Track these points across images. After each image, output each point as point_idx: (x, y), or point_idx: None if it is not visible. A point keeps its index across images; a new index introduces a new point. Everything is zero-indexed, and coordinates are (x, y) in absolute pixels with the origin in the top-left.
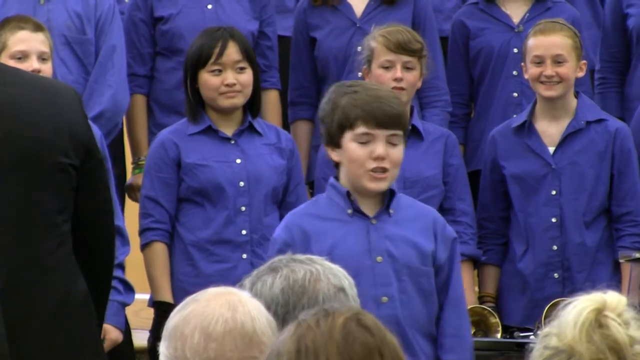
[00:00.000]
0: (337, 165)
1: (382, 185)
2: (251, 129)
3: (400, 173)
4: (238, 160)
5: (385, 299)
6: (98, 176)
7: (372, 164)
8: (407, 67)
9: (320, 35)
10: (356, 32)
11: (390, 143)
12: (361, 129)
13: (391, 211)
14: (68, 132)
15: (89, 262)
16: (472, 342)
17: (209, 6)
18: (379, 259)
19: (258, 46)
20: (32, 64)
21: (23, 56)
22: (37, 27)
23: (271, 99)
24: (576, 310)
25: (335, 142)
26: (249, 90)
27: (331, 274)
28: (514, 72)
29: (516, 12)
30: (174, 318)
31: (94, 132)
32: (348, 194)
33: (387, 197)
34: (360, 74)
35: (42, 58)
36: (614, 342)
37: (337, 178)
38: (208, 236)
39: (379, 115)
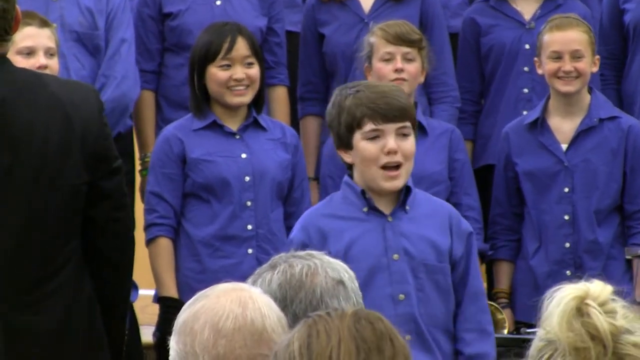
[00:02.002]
0: (350, 166)
1: (398, 184)
2: (256, 124)
3: None
4: (243, 155)
5: (402, 296)
6: (112, 185)
7: (385, 159)
8: (407, 59)
9: (329, 31)
10: (364, 29)
11: (401, 135)
12: (369, 126)
13: (407, 208)
14: (80, 148)
15: (105, 272)
16: (495, 337)
17: (218, 2)
18: (396, 256)
19: (267, 42)
20: (39, 60)
21: (30, 52)
22: (44, 23)
23: (279, 95)
24: (558, 299)
25: (346, 144)
26: (257, 85)
27: (329, 268)
28: (525, 69)
29: (527, 9)
30: (184, 313)
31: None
32: (363, 192)
33: (402, 194)
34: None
35: (49, 54)
36: (595, 330)
37: (351, 177)
38: (214, 232)
39: (385, 109)
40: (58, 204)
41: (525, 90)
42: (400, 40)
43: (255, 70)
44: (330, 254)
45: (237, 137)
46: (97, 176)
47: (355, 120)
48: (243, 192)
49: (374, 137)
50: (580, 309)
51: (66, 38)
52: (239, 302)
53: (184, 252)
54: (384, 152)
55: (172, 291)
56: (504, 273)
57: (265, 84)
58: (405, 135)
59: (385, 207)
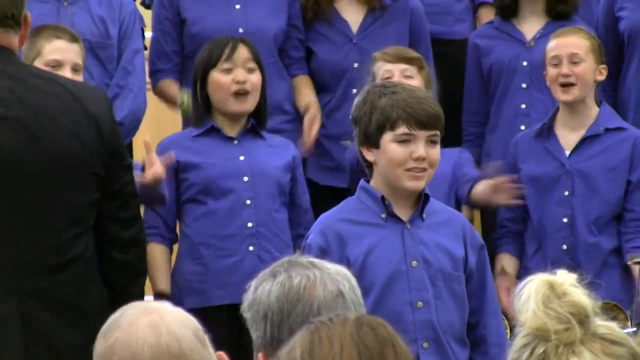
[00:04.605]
0: (369, 166)
1: (421, 184)
2: (255, 132)
3: None
4: (241, 158)
5: (420, 303)
6: (122, 183)
7: (412, 164)
8: (406, 76)
9: (316, 48)
10: (352, 49)
11: (430, 142)
12: (402, 129)
13: (424, 215)
14: (96, 138)
15: (114, 273)
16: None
17: (237, 6)
18: (414, 263)
19: (290, 39)
20: (65, 74)
21: (57, 65)
22: (74, 39)
23: (303, 79)
24: (527, 291)
25: (372, 143)
26: (257, 94)
27: (329, 279)
28: (523, 85)
29: (529, 31)
30: (99, 345)
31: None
32: (383, 198)
33: (421, 201)
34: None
35: (75, 69)
36: (575, 308)
37: (367, 181)
38: (214, 231)
39: (421, 115)
40: (76, 192)
41: (523, 106)
42: (397, 57)
43: (256, 77)
44: (348, 259)
45: (236, 142)
46: (109, 171)
47: (389, 121)
48: (242, 191)
49: (405, 140)
50: (554, 291)
51: None
52: (151, 329)
53: (186, 256)
54: (412, 157)
55: (163, 286)
56: (509, 263)
57: (291, 75)
58: (433, 143)
59: (403, 213)
